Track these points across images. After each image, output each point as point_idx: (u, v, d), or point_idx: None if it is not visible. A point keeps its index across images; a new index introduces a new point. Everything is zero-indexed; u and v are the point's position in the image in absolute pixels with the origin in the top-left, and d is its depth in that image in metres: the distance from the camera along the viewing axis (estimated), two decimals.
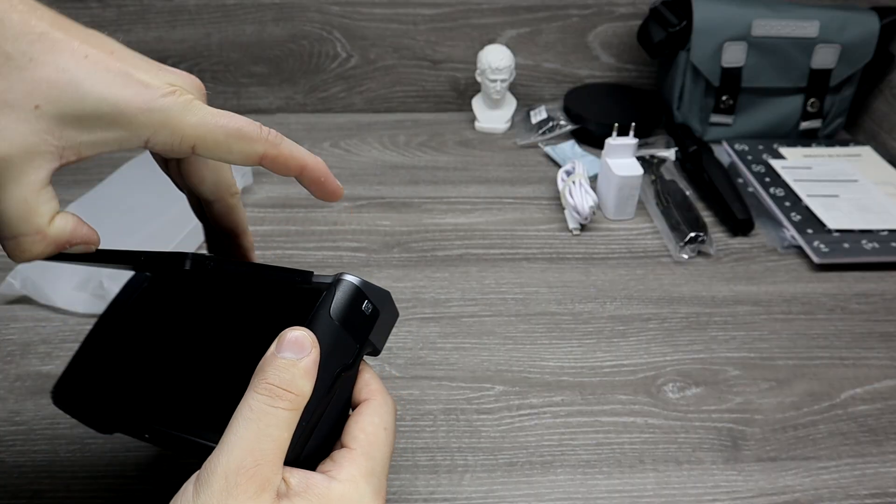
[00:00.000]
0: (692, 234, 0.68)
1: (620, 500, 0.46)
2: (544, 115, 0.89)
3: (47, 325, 0.58)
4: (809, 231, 0.70)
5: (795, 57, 0.83)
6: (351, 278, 0.34)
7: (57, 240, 0.31)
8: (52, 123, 0.29)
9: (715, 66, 0.83)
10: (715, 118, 0.87)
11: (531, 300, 0.63)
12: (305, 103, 0.95)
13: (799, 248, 0.70)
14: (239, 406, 0.30)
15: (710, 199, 0.76)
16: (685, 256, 0.68)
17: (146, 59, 0.33)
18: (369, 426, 0.33)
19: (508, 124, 0.90)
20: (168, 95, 0.31)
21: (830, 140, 0.88)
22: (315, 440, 0.33)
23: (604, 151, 0.73)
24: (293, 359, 0.30)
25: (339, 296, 0.33)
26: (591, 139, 0.87)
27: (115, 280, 0.57)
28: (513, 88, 0.90)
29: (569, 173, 0.75)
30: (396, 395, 0.53)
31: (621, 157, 0.73)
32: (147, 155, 0.36)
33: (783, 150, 0.84)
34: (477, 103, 0.91)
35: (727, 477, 0.48)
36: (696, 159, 0.79)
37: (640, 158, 0.77)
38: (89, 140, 0.30)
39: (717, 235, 0.72)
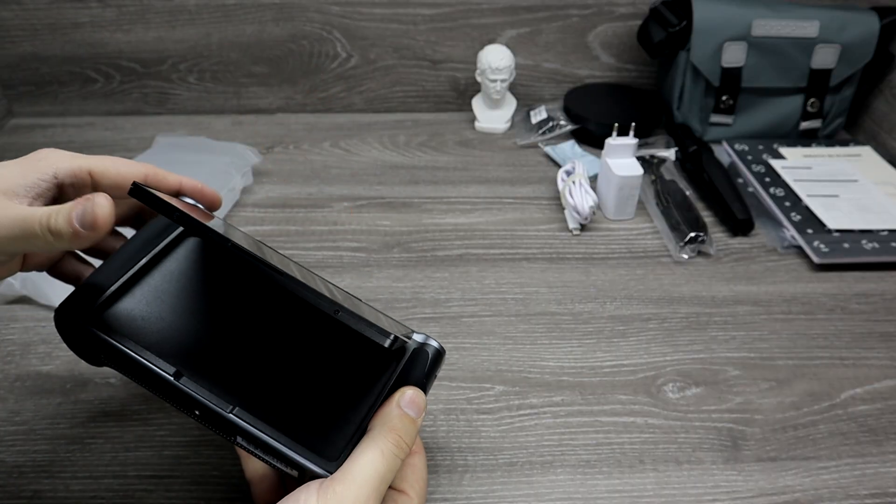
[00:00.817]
0: (692, 234, 0.68)
1: (620, 500, 0.46)
2: (544, 115, 0.89)
3: (47, 325, 0.58)
4: (809, 231, 0.70)
5: (795, 57, 0.83)
6: (437, 346, 0.41)
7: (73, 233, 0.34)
8: None
9: (715, 66, 0.83)
10: (715, 118, 0.87)
11: (531, 300, 0.63)
12: (305, 103, 0.95)
13: (799, 248, 0.70)
14: (367, 444, 0.35)
15: (710, 199, 0.76)
16: (685, 256, 0.68)
17: None
18: (422, 480, 0.39)
19: (508, 124, 0.90)
20: None
21: (830, 140, 0.88)
22: None
23: (604, 151, 0.73)
24: (413, 417, 0.37)
25: (434, 361, 0.41)
26: (591, 139, 0.87)
27: None
28: (513, 88, 0.90)
29: (569, 173, 0.75)
30: None
31: (621, 157, 0.73)
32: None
33: (783, 150, 0.84)
34: (477, 103, 0.91)
35: (727, 477, 0.48)
36: (696, 159, 0.79)
37: (640, 158, 0.77)
38: None
39: (717, 235, 0.72)
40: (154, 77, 0.92)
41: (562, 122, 0.88)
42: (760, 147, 0.85)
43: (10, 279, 0.60)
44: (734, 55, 0.83)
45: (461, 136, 0.90)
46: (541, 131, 0.87)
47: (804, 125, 0.88)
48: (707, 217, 0.74)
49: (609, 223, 0.74)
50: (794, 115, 0.87)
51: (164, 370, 0.36)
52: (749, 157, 0.83)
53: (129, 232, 0.45)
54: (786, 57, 0.83)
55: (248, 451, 0.36)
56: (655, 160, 0.80)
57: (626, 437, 0.50)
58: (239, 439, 0.35)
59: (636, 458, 0.49)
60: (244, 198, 0.76)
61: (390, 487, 0.37)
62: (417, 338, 0.41)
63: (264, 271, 0.35)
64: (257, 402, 0.36)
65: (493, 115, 0.90)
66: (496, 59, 0.86)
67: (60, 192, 0.38)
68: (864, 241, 0.69)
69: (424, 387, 0.39)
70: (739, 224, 0.72)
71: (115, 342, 0.36)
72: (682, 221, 0.71)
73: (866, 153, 0.84)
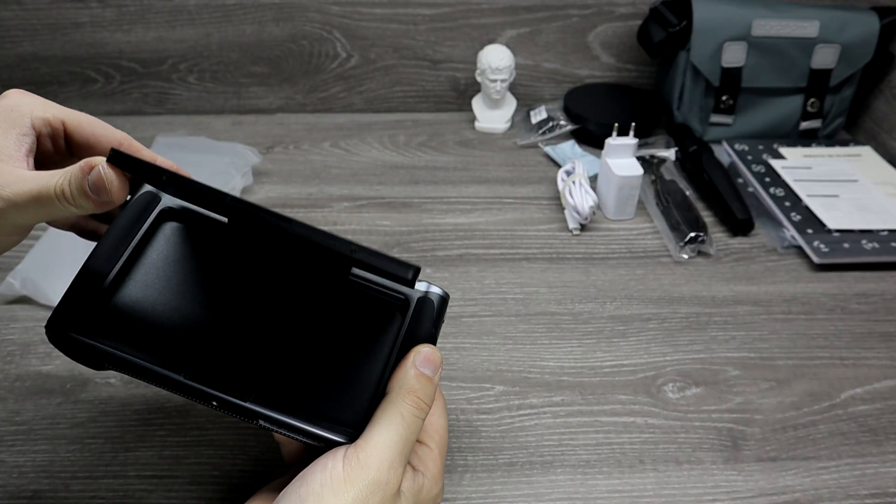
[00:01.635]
0: (692, 234, 0.68)
1: (620, 500, 0.46)
2: (544, 115, 0.89)
3: None
4: (809, 231, 0.70)
5: (795, 57, 0.83)
6: (441, 293, 0.40)
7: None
8: None
9: (715, 66, 0.83)
10: (715, 118, 0.87)
11: (531, 300, 0.63)
12: (305, 103, 0.95)
13: (799, 248, 0.70)
14: (387, 408, 0.35)
15: (710, 199, 0.76)
16: (685, 256, 0.68)
17: None
18: (441, 429, 0.39)
19: (508, 124, 0.90)
20: None
21: (830, 140, 0.88)
22: None
23: (604, 151, 0.73)
24: (430, 375, 0.36)
25: (440, 309, 0.40)
26: (591, 139, 0.87)
27: None
28: (513, 88, 0.90)
29: (569, 173, 0.75)
30: None
31: (621, 157, 0.73)
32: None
33: (783, 150, 0.84)
34: (477, 103, 0.91)
35: (727, 477, 0.48)
36: (696, 159, 0.79)
37: (640, 158, 0.77)
38: None
39: (717, 235, 0.72)
40: (154, 77, 0.92)
41: (562, 122, 0.88)
42: (760, 147, 0.85)
43: (9, 279, 0.60)
44: (734, 55, 0.83)
45: (461, 136, 0.90)
46: (541, 131, 0.87)
47: (804, 125, 0.88)
48: (707, 217, 0.74)
49: (609, 223, 0.74)
50: (794, 115, 0.87)
51: (173, 372, 0.35)
52: (749, 157, 0.83)
53: None
54: (786, 57, 0.83)
55: (272, 430, 0.36)
56: (655, 160, 0.80)
57: (626, 437, 0.50)
58: (261, 422, 0.35)
59: (636, 458, 0.49)
60: (244, 198, 0.76)
61: None
62: (420, 287, 0.40)
63: (268, 222, 0.34)
64: (272, 380, 0.36)
65: (493, 115, 0.90)
66: (496, 59, 0.86)
67: (39, 142, 0.38)
68: (864, 241, 0.69)
69: (434, 338, 0.39)
70: (739, 224, 0.71)
71: (115, 351, 0.35)
72: (682, 221, 0.71)
73: (866, 153, 0.84)
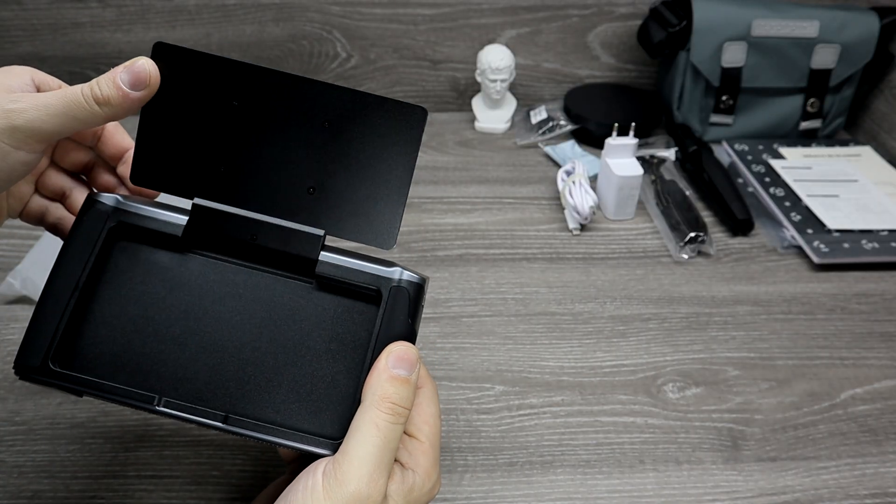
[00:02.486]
0: (692, 234, 0.68)
1: (620, 500, 0.46)
2: (544, 115, 0.89)
3: None
4: (809, 231, 0.70)
5: (795, 57, 0.83)
6: (416, 279, 0.38)
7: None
8: None
9: (715, 66, 0.83)
10: (715, 118, 0.87)
11: (531, 300, 0.63)
12: None
13: (799, 248, 0.70)
14: (361, 418, 0.33)
15: (710, 199, 0.76)
16: (685, 256, 0.68)
17: None
18: (431, 418, 0.36)
19: (508, 124, 0.90)
20: None
21: (830, 140, 0.88)
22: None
23: (604, 151, 0.73)
24: (406, 376, 0.34)
25: (416, 298, 0.37)
26: (591, 139, 0.87)
27: None
28: (513, 88, 0.90)
29: (569, 173, 0.75)
30: None
31: (621, 157, 0.73)
32: None
33: (783, 150, 0.84)
34: (477, 103, 0.91)
35: (727, 477, 0.48)
36: (696, 159, 0.79)
37: (640, 158, 0.77)
38: None
39: (717, 235, 0.72)
40: None
41: (562, 122, 0.88)
42: (760, 147, 0.85)
43: (9, 279, 0.60)
44: (734, 55, 0.83)
45: (461, 136, 0.90)
46: (541, 131, 0.87)
47: (804, 125, 0.88)
48: (707, 217, 0.74)
49: (609, 223, 0.74)
50: (794, 115, 0.87)
51: (143, 402, 0.35)
52: (749, 157, 0.83)
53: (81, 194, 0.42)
54: (786, 57, 0.83)
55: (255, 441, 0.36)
56: (655, 160, 0.80)
57: (626, 437, 0.50)
58: (242, 436, 0.35)
59: (636, 458, 0.49)
60: None
61: None
62: (393, 273, 0.38)
63: (271, 76, 0.36)
64: (248, 395, 0.36)
65: (493, 115, 0.90)
66: (496, 59, 0.86)
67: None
68: (864, 241, 0.69)
69: (412, 332, 0.36)
70: (739, 224, 0.71)
71: (84, 389, 0.35)
72: (682, 221, 0.71)
73: (866, 153, 0.84)
